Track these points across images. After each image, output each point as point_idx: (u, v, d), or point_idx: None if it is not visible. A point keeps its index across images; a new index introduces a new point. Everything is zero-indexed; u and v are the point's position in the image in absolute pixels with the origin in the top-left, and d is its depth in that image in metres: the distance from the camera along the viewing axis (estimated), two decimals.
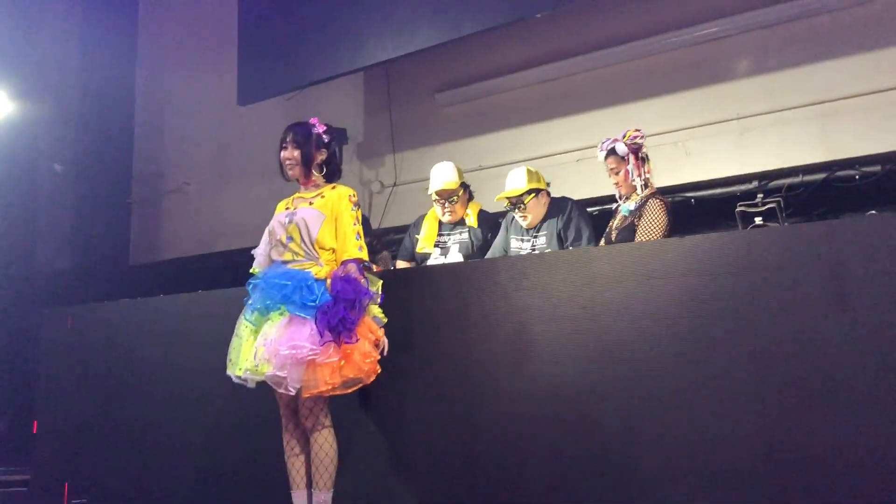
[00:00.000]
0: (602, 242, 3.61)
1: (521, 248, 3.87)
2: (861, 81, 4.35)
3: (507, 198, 3.86)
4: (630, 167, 3.51)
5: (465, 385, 3.03)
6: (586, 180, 5.08)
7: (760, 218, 4.29)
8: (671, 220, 3.46)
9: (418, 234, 4.24)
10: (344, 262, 3.06)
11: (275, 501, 3.40)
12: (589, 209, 4.71)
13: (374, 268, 3.31)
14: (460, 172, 4.16)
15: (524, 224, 3.88)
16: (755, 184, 4.56)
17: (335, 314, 2.89)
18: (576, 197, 4.34)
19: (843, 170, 4.37)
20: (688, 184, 4.77)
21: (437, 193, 4.11)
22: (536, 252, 3.75)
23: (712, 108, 4.78)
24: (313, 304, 2.93)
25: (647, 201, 3.50)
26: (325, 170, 3.26)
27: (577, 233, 3.77)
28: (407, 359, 3.18)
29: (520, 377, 2.88)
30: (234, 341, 3.10)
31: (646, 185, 3.53)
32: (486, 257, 3.95)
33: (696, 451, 2.50)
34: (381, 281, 3.18)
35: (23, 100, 6.67)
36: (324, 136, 3.24)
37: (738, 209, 4.44)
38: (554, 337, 2.82)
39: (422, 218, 4.30)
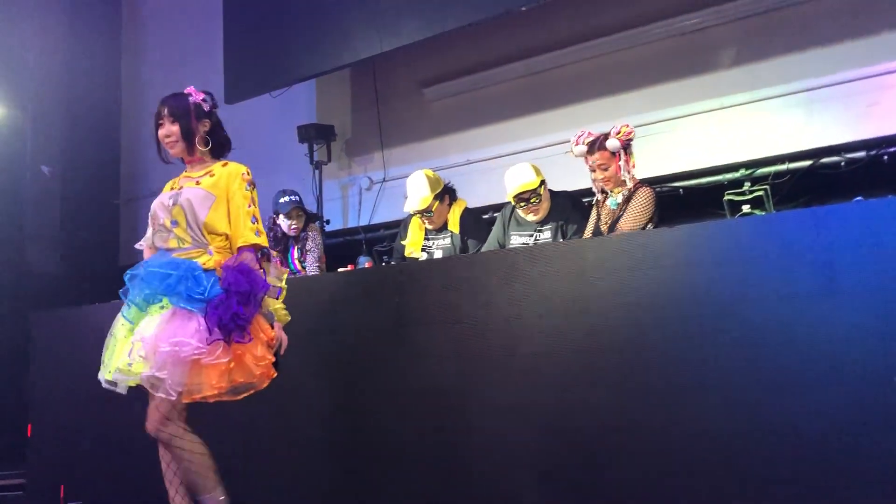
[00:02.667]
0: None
1: (524, 243, 3.86)
2: (845, 68, 4.38)
3: (520, 194, 3.79)
4: (622, 163, 3.51)
5: (457, 378, 3.04)
6: (575, 172, 5.07)
7: (748, 206, 4.32)
8: (657, 210, 3.49)
9: (405, 239, 4.27)
10: (239, 250, 2.75)
11: (272, 500, 3.41)
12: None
13: (274, 255, 2.94)
14: (433, 182, 4.13)
15: (535, 218, 3.85)
16: (742, 172, 4.58)
17: (227, 309, 2.55)
18: (564, 189, 4.36)
19: (828, 156, 4.40)
20: (675, 173, 4.80)
21: (415, 211, 4.13)
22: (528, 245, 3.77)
23: (698, 98, 4.80)
24: (201, 296, 2.59)
25: (636, 190, 3.53)
26: (210, 143, 2.90)
27: (575, 231, 3.79)
28: (399, 353, 3.19)
29: (512, 369, 2.90)
30: (108, 341, 2.77)
31: (631, 179, 3.57)
32: (481, 251, 3.97)
33: (688, 440, 2.53)
34: (287, 271, 2.96)
35: (8, 103, 6.63)
36: (203, 104, 2.89)
37: (726, 198, 4.47)
38: (545, 328, 2.84)
39: (408, 221, 4.32)
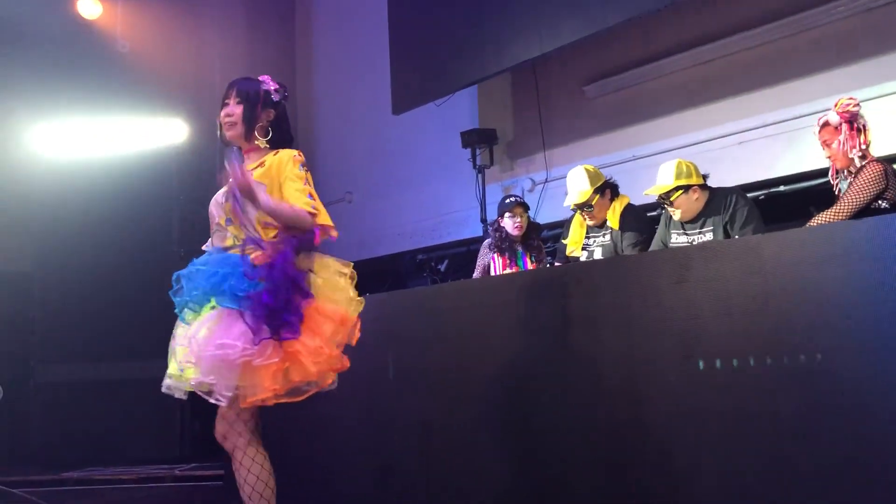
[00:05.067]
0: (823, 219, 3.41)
1: (682, 243, 3.77)
2: None
3: (659, 196, 3.79)
4: (842, 137, 3.32)
5: (629, 383, 2.98)
6: (748, 163, 4.86)
7: None
8: (892, 187, 3.23)
9: (566, 238, 4.27)
10: (284, 238, 2.52)
11: (449, 499, 3.49)
12: (753, 193, 4.51)
13: (333, 234, 2.64)
14: (593, 176, 4.11)
15: (676, 218, 3.80)
16: None
17: (275, 303, 2.38)
18: (738, 181, 4.17)
19: None
20: None
21: (574, 205, 4.11)
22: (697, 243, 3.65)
23: (883, 79, 4.43)
24: (247, 293, 2.41)
25: (864, 167, 3.31)
26: (270, 134, 2.71)
27: (742, 223, 3.61)
28: (567, 357, 3.18)
29: (689, 372, 2.80)
30: (171, 345, 2.60)
31: (863, 157, 3.33)
32: (649, 250, 3.89)
33: (885, 449, 2.34)
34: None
35: (199, 123, 7.19)
36: (274, 94, 2.73)
37: None
38: (723, 329, 2.72)
39: (570, 220, 4.31)
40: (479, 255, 4.77)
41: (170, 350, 2.57)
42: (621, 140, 5.62)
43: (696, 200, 3.75)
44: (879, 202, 3.24)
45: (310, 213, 2.53)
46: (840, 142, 3.32)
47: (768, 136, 4.88)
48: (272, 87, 2.73)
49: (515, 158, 6.41)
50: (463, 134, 6.13)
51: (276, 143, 2.72)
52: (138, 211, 6.49)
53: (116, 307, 6.32)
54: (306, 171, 2.62)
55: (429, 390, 3.70)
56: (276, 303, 2.38)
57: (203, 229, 2.89)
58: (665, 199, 3.77)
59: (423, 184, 6.87)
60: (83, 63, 6.50)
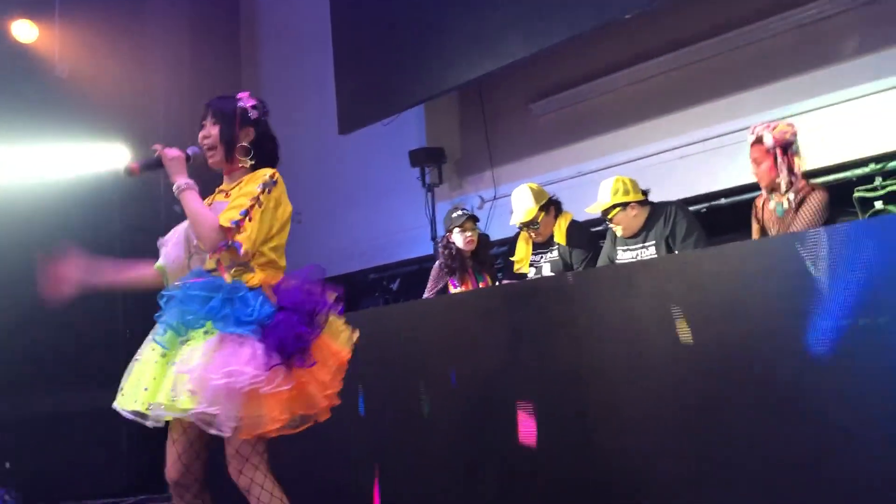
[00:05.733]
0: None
1: (627, 258, 3.85)
2: None
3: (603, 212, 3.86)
4: (777, 162, 3.38)
5: (580, 395, 3.01)
6: (689, 178, 4.96)
7: (881, 202, 4.08)
8: (827, 213, 3.34)
9: (512, 256, 4.30)
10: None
11: None
12: (695, 207, 4.61)
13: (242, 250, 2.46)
14: (538, 194, 4.15)
15: (618, 234, 3.88)
16: (872, 167, 4.32)
17: (289, 329, 2.28)
18: (680, 195, 4.25)
19: None
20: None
21: (520, 223, 4.13)
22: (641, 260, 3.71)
23: (819, 92, 4.58)
24: (251, 318, 2.30)
25: (808, 195, 3.37)
26: (252, 153, 2.57)
27: (683, 236, 3.70)
28: (518, 372, 3.19)
29: (637, 384, 2.84)
30: (131, 366, 2.39)
31: (791, 183, 3.40)
32: (596, 266, 3.95)
33: (829, 458, 2.39)
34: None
35: (140, 147, 7.05)
36: (251, 111, 2.60)
37: (856, 195, 4.24)
38: (668, 342, 2.77)
39: (516, 238, 4.34)
40: (432, 278, 4.59)
41: (127, 372, 2.38)
42: (568, 156, 5.69)
43: (634, 217, 3.81)
44: None
45: (223, 226, 2.38)
46: (769, 165, 3.41)
47: (709, 150, 5.00)
48: (249, 105, 2.60)
49: (464, 176, 6.44)
50: (411, 153, 6.14)
51: (264, 162, 2.59)
52: (80, 239, 6.27)
53: (57, 338, 6.13)
54: (265, 190, 2.45)
55: (391, 408, 3.67)
56: (297, 327, 2.30)
57: (147, 257, 2.81)
58: (604, 216, 3.83)
59: (372, 203, 6.85)
60: (20, 88, 6.33)
